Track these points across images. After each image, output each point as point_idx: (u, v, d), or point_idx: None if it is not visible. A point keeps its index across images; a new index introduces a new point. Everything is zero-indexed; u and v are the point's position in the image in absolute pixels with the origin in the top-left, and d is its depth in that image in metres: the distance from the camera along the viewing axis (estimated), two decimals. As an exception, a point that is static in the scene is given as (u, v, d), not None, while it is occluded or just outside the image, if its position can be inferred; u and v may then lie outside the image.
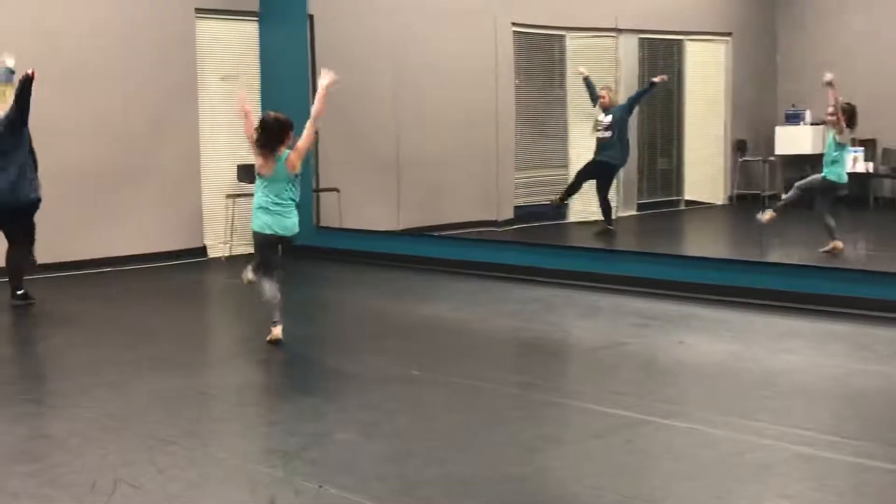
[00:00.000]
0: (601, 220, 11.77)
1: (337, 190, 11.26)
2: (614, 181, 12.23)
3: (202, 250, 11.08)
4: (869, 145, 13.67)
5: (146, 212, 10.50)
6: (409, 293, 9.19)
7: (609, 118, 11.57)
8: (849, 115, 9.72)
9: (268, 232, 6.70)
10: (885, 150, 13.53)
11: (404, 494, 4.18)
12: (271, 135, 6.60)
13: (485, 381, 5.96)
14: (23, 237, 8.13)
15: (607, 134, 11.58)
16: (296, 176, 6.72)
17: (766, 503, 4.11)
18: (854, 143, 13.80)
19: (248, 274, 6.98)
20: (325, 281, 10.15)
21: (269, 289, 6.75)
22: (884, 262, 9.51)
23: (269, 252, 6.92)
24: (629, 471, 4.46)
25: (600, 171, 11.67)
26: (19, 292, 8.12)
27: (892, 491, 4.18)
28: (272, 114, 6.76)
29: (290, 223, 6.76)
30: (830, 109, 9.73)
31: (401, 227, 11.33)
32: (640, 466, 4.52)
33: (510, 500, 4.13)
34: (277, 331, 6.73)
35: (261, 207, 6.71)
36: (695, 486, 4.25)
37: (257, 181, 6.79)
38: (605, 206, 11.73)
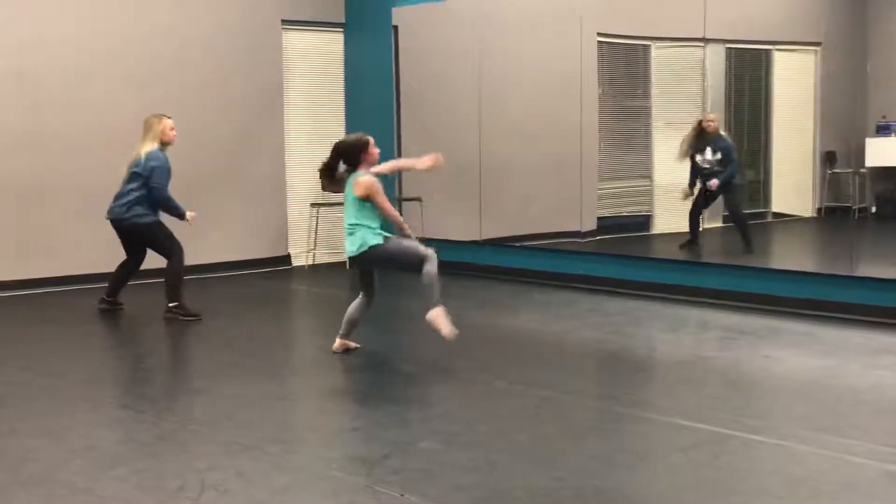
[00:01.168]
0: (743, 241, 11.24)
1: (420, 199, 11.31)
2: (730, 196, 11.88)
3: (287, 258, 11.21)
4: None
5: (233, 220, 10.66)
6: (492, 304, 9.19)
7: (718, 155, 11.12)
8: None
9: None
10: None
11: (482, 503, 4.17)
12: (331, 155, 6.89)
13: (568, 393, 5.94)
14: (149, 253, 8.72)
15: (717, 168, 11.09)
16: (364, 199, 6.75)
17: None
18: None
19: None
20: (408, 291, 10.18)
21: (352, 304, 6.98)
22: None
23: (358, 272, 7.17)
24: (714, 487, 4.39)
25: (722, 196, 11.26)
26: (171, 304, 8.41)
27: None
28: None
29: (347, 246, 6.88)
30: None
31: (483, 237, 11.32)
32: (724, 482, 4.45)
33: (593, 513, 4.09)
34: (337, 343, 6.95)
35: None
36: (781, 503, 4.17)
37: None
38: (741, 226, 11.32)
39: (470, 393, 6.02)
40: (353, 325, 6.93)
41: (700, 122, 11.06)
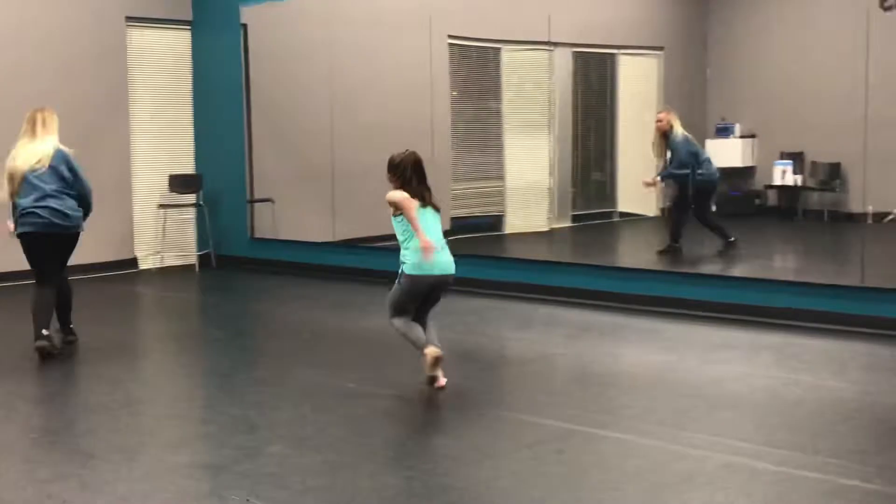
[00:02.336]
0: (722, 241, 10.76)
1: (271, 200, 11.20)
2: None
3: (133, 262, 10.95)
4: (797, 158, 13.90)
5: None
6: (345, 305, 9.16)
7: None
8: None
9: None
10: (813, 164, 13.75)
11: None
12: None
13: (419, 393, 5.95)
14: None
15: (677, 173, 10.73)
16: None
17: (692, 511, 4.15)
18: (782, 155, 14.06)
19: None
20: (259, 292, 10.09)
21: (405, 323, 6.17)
22: (812, 274, 9.64)
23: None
24: (558, 481, 4.46)
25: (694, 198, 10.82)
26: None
27: (816, 499, 4.23)
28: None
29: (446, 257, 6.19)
30: None
31: (336, 238, 11.28)
32: (568, 477, 4.53)
33: (441, 511, 4.12)
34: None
35: None
36: (622, 495, 4.27)
37: None
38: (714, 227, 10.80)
39: (321, 395, 5.98)
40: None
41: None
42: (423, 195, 6.21)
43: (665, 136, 10.66)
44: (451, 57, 12.52)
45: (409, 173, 6.29)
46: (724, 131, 14.70)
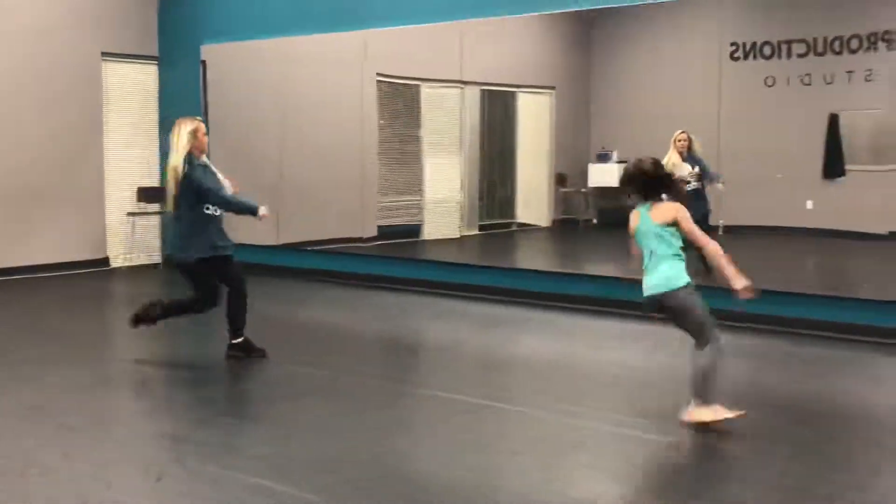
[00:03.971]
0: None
1: (224, 209, 11.06)
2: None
3: (105, 261, 10.72)
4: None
5: (58, 227, 10.19)
6: (288, 299, 9.05)
7: (697, 168, 9.30)
8: None
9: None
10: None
11: (277, 471, 4.10)
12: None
13: (351, 374, 5.91)
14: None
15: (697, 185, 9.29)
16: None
17: (577, 472, 4.17)
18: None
19: None
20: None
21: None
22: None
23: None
24: (468, 446, 4.48)
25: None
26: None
27: (686, 461, 4.29)
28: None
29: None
30: None
31: (280, 241, 11.15)
32: (477, 443, 4.54)
33: (370, 475, 4.08)
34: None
35: None
36: (523, 459, 4.29)
37: None
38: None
39: (270, 376, 5.90)
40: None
41: (675, 143, 9.61)
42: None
43: (682, 153, 9.57)
44: (379, 91, 12.49)
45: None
46: (603, 157, 14.89)
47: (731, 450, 4.41)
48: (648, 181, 4.78)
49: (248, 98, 11.11)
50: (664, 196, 4.84)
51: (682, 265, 4.76)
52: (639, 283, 8.40)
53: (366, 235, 12.10)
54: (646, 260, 4.77)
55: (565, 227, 14.60)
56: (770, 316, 7.13)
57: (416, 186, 13.17)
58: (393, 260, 10.34)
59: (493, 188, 14.43)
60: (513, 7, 8.76)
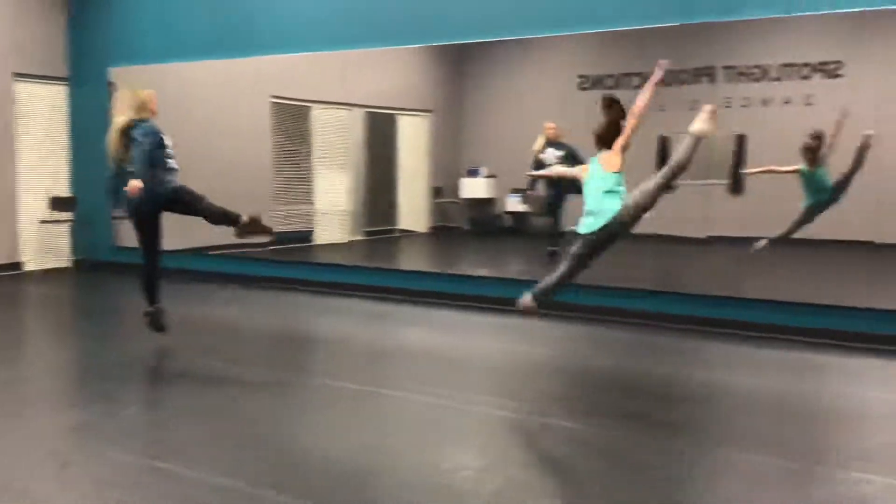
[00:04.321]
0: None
1: (133, 218, 10.70)
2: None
3: (18, 265, 10.23)
4: (523, 192, 14.39)
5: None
6: (189, 299, 8.81)
7: (561, 153, 9.43)
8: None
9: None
10: (535, 197, 14.27)
11: (173, 453, 4.01)
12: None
13: (245, 365, 5.82)
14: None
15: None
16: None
17: (443, 446, 4.22)
18: (513, 190, 14.55)
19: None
20: (120, 291, 9.58)
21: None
22: (534, 275, 9.99)
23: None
24: (353, 427, 4.47)
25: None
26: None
27: (540, 436, 4.39)
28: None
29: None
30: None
31: (186, 246, 10.85)
32: (362, 425, 4.54)
33: (259, 455, 4.04)
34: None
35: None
36: (400, 438, 4.33)
37: None
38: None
39: (169, 369, 5.75)
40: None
41: (545, 130, 9.67)
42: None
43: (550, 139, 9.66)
44: (273, 112, 12.33)
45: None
46: (473, 172, 15.08)
47: (573, 426, 4.53)
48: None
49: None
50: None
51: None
52: (504, 281, 8.57)
53: (262, 241, 11.91)
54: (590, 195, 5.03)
55: (441, 233, 14.72)
56: (613, 308, 7.38)
57: (307, 197, 13.06)
58: (286, 263, 10.21)
59: (377, 199, 14.41)
60: (374, 41, 8.79)
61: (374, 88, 13.52)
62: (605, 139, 5.17)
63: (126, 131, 5.86)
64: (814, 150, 7.25)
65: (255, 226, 5.94)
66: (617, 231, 4.94)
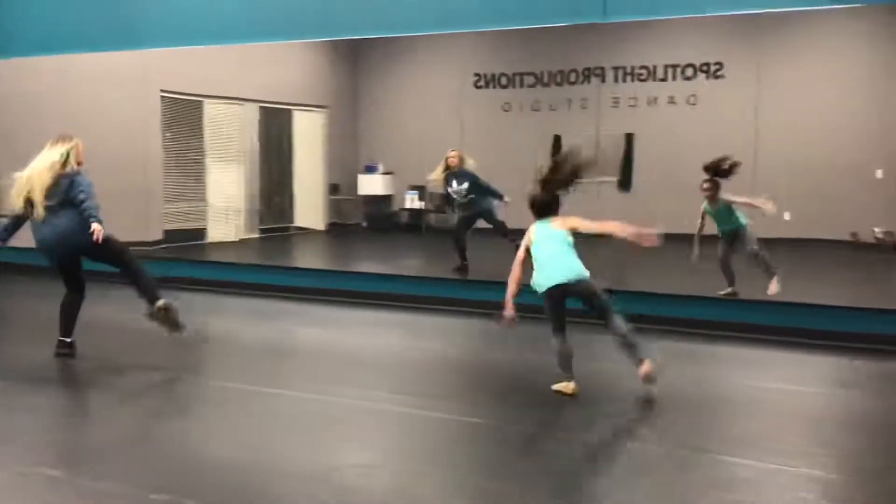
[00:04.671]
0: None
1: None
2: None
3: None
4: (421, 190, 14.47)
5: None
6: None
7: (465, 185, 9.30)
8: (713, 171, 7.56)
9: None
10: (432, 194, 14.39)
11: (54, 457, 3.86)
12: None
13: (131, 366, 5.62)
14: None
15: (469, 198, 9.36)
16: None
17: (334, 443, 4.18)
18: (411, 187, 14.59)
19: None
20: (12, 292, 9.14)
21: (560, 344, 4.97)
22: (431, 271, 10.07)
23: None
24: (241, 428, 4.39)
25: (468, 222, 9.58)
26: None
27: (429, 429, 4.41)
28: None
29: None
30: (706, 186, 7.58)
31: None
32: (248, 425, 4.46)
33: (145, 458, 3.91)
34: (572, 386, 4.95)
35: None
36: (291, 437, 4.27)
37: None
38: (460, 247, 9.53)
39: (50, 369, 5.50)
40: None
41: (446, 160, 9.46)
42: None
43: (449, 170, 9.48)
44: (163, 106, 11.99)
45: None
46: (371, 169, 15.07)
47: (476, 421, 4.58)
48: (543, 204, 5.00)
49: (32, 111, 10.32)
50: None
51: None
52: (401, 278, 8.58)
53: (151, 239, 11.57)
54: (540, 260, 4.90)
55: (338, 231, 14.64)
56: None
57: (200, 194, 12.74)
58: (177, 261, 9.94)
59: (273, 196, 14.21)
60: (273, 35, 8.67)
61: (269, 83, 13.32)
62: (542, 209, 5.03)
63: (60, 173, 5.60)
64: (711, 191, 7.58)
65: (167, 315, 5.75)
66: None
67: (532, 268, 4.95)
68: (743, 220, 7.60)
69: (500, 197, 9.34)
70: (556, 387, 4.93)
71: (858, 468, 3.91)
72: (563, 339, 4.91)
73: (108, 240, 5.67)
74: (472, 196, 9.39)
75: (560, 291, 4.85)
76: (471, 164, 9.52)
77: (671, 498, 3.55)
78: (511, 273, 4.99)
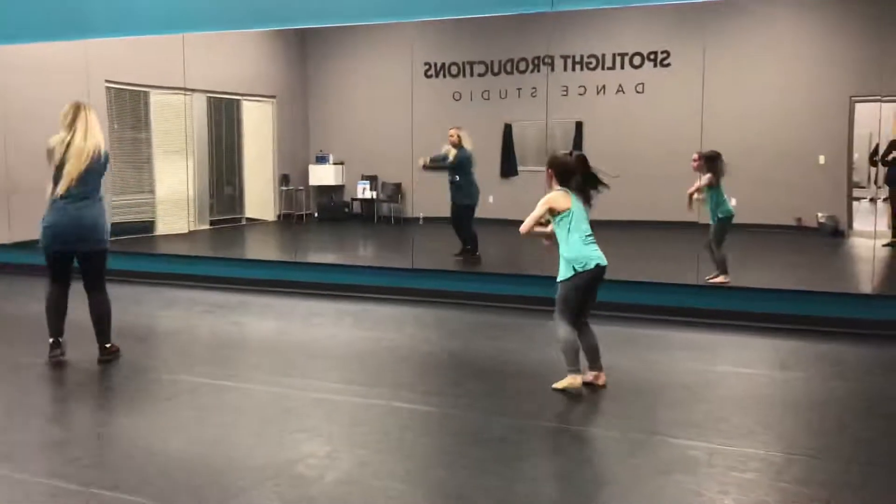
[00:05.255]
0: (466, 250, 9.46)
1: None
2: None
3: None
4: (373, 179, 14.43)
5: None
6: (20, 294, 8.30)
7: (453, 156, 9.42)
8: (709, 161, 7.80)
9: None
10: (384, 183, 14.35)
11: (4, 457, 3.78)
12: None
13: (80, 361, 5.51)
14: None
15: (455, 178, 9.44)
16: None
17: (287, 435, 4.16)
18: (363, 177, 14.54)
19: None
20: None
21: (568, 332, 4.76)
22: (385, 261, 10.06)
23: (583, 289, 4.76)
24: (189, 422, 4.35)
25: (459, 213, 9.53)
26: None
27: (382, 418, 4.43)
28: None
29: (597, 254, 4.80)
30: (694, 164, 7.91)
31: (13, 240, 10.19)
32: (199, 418, 4.43)
33: (96, 454, 3.87)
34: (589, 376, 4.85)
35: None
36: (243, 429, 4.24)
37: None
38: (472, 238, 9.48)
39: (20, 367, 5.40)
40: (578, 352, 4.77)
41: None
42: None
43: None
44: (108, 97, 11.75)
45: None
46: (322, 159, 14.98)
47: (429, 409, 4.60)
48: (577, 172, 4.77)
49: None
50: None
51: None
52: (352, 268, 8.56)
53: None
54: (582, 237, 4.70)
55: (289, 221, 14.53)
56: (456, 292, 7.54)
57: (147, 186, 12.54)
58: (126, 255, 9.77)
59: (222, 187, 14.05)
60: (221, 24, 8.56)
61: (217, 73, 13.15)
62: (569, 177, 4.79)
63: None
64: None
65: (115, 355, 5.56)
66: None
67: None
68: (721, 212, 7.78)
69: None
70: (559, 384, 4.74)
71: (799, 447, 4.02)
72: (573, 328, 4.71)
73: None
74: (457, 179, 9.41)
75: (600, 273, 4.72)
76: (467, 144, 9.50)
77: (622, 480, 3.62)
78: (526, 224, 4.75)
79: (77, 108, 5.47)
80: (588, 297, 4.76)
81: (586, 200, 4.78)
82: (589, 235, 4.74)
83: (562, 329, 4.72)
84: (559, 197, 4.74)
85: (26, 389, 4.93)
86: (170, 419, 4.40)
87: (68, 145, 5.35)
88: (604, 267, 4.72)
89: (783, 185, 12.34)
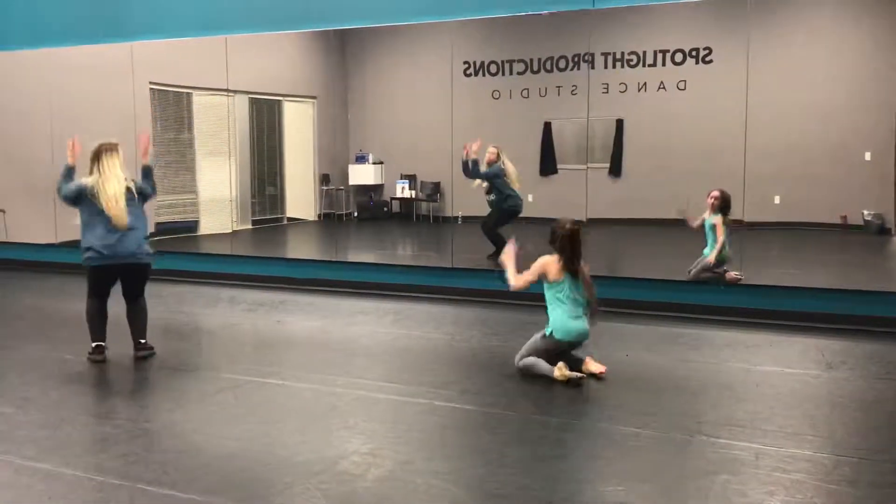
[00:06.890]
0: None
1: (3, 211, 10.18)
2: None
3: None
4: (412, 178, 14.46)
5: None
6: (66, 293, 8.47)
7: (484, 184, 9.52)
8: (725, 202, 7.72)
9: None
10: (423, 182, 14.37)
11: (49, 452, 3.86)
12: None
13: (126, 359, 5.63)
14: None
15: (490, 197, 9.50)
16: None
17: (330, 432, 4.20)
18: (402, 176, 14.59)
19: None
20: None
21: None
22: (424, 259, 10.08)
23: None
24: (235, 418, 4.40)
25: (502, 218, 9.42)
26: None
27: (423, 416, 4.44)
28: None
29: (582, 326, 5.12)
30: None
31: (59, 240, 10.40)
32: (245, 414, 4.47)
33: (141, 450, 3.92)
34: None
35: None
36: (283, 425, 4.28)
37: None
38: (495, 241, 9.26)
39: (44, 365, 5.51)
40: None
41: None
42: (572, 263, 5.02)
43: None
44: (152, 98, 11.93)
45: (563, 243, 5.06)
46: (361, 159, 15.04)
47: (469, 408, 4.60)
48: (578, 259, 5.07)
49: (20, 105, 10.29)
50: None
51: None
52: (386, 266, 8.59)
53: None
54: (568, 311, 5.01)
55: (330, 221, 14.61)
56: (498, 291, 7.53)
57: (191, 186, 12.71)
58: (172, 254, 9.91)
59: (264, 187, 14.18)
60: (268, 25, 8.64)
61: (258, 74, 13.28)
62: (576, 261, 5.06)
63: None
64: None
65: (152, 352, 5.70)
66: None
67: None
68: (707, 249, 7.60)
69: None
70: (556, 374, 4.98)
71: (847, 448, 3.95)
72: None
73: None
74: (492, 195, 9.44)
75: (580, 342, 5.09)
76: (504, 162, 9.54)
77: (666, 480, 3.58)
78: (516, 285, 5.11)
79: (97, 154, 5.84)
80: (562, 357, 5.04)
81: (574, 275, 5.01)
82: (576, 311, 5.01)
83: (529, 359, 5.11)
84: (553, 267, 5.04)
85: (71, 387, 5.02)
86: (214, 416, 4.46)
87: (98, 192, 5.66)
88: (585, 334, 5.03)
89: (828, 182, 12.12)
